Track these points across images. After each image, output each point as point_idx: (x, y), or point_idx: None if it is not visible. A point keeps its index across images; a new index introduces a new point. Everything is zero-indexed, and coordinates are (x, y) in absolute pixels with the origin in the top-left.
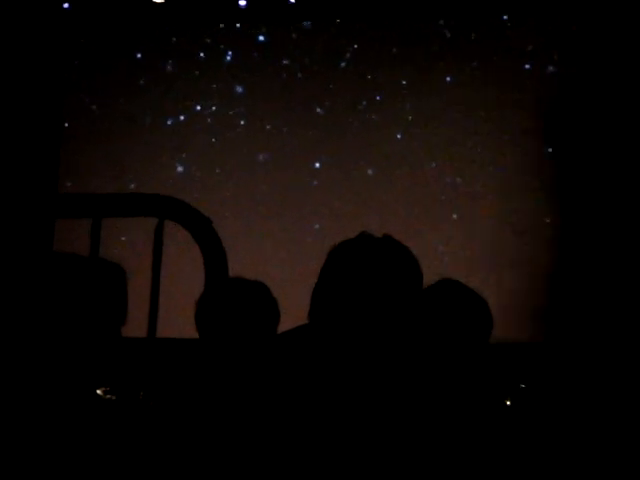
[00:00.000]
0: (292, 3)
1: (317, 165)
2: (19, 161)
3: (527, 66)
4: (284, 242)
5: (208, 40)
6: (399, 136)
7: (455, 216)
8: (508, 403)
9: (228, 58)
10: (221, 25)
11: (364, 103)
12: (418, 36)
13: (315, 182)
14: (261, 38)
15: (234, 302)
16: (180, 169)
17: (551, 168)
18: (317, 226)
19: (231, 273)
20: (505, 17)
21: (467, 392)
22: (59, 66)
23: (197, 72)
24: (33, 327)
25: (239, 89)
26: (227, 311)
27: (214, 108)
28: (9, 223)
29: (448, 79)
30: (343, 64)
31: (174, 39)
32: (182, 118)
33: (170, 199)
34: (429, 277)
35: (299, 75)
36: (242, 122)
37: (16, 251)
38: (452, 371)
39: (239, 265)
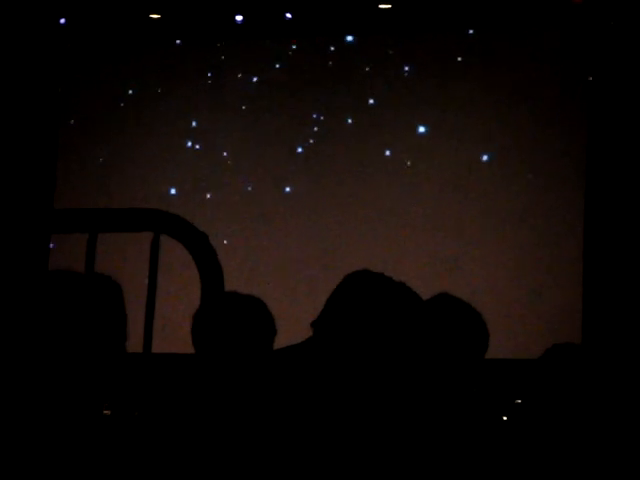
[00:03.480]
0: (289, 19)
1: (318, 180)
2: (15, 176)
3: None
4: (279, 257)
5: (204, 56)
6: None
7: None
8: (504, 419)
9: (228, 75)
10: (218, 43)
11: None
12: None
13: (312, 196)
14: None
15: (230, 317)
16: (174, 185)
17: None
18: (312, 242)
19: (227, 288)
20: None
21: (463, 407)
22: (55, 80)
23: (191, 87)
24: (30, 344)
25: (242, 105)
26: (223, 326)
27: (211, 122)
28: (4, 238)
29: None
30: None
31: (171, 54)
32: (177, 133)
33: (166, 214)
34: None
35: (301, 90)
36: (239, 135)
37: (11, 267)
38: (448, 386)
39: (235, 280)
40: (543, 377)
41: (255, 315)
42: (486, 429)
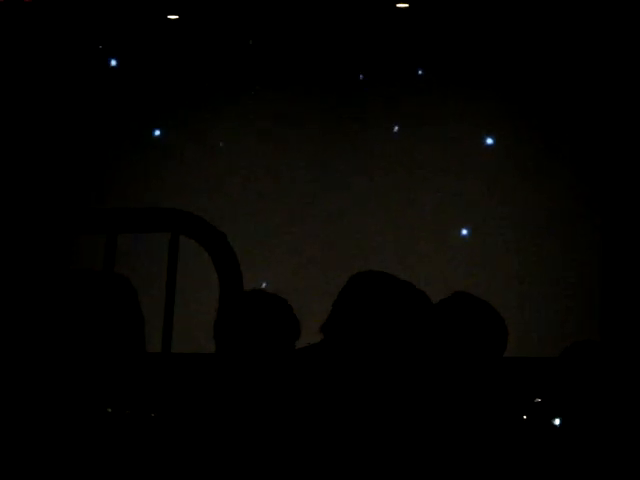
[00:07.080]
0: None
1: (330, 178)
2: (34, 178)
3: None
4: (293, 257)
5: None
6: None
7: (473, 227)
8: (524, 417)
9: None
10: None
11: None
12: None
13: (326, 195)
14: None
15: (262, 315)
16: (188, 181)
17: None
18: (326, 241)
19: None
20: None
21: (482, 407)
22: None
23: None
24: (47, 343)
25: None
26: (252, 323)
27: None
28: (23, 239)
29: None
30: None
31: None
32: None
33: (184, 213)
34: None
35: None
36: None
37: (31, 267)
38: (467, 385)
39: (251, 280)
40: (563, 375)
41: (283, 316)
42: (506, 428)
